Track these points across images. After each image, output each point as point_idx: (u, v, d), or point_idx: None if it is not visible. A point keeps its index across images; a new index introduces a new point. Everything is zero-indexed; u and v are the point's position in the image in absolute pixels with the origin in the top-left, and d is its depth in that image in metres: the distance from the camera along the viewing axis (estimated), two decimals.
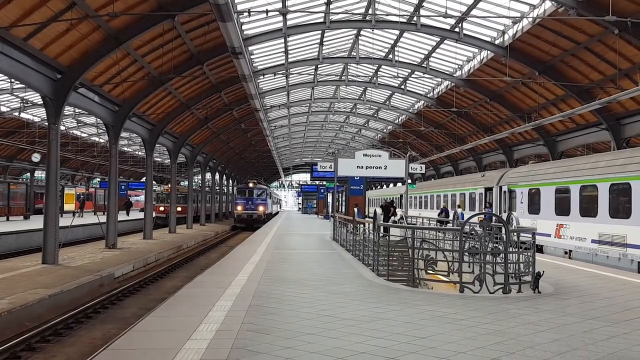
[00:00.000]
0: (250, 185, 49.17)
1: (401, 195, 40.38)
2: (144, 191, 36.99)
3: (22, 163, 48.62)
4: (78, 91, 18.28)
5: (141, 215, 37.12)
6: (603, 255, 15.92)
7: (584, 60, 21.50)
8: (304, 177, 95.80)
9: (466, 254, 10.69)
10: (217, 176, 54.89)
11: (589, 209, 17.04)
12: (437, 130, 38.82)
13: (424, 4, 21.52)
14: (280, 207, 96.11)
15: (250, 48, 22.54)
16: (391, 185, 61.55)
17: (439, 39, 24.51)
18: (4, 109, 34.37)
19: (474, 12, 20.92)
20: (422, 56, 27.52)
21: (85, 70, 17.33)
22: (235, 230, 46.32)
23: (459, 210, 25.89)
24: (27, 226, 28.51)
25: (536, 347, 5.99)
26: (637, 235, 14.58)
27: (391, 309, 8.06)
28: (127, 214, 50.61)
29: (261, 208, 47.96)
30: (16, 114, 35.14)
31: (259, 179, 58.18)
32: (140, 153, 57.23)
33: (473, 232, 13.30)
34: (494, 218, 15.02)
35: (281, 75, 29.36)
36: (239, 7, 18.48)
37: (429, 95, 33.93)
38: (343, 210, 35.14)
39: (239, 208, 48.13)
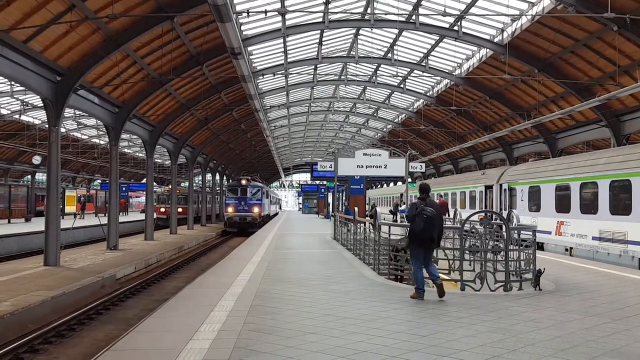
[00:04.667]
0: (243, 182, 42.29)
1: (401, 194, 40.40)
2: (144, 192, 36.99)
3: (22, 165, 48.63)
4: (78, 93, 18.29)
5: (142, 216, 37.17)
6: (604, 252, 15.93)
7: (583, 57, 21.50)
8: (305, 177, 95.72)
9: (467, 252, 10.72)
10: (217, 177, 54.89)
11: (589, 206, 17.05)
12: (437, 128, 38.82)
13: (423, 2, 21.52)
14: (280, 208, 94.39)
15: (249, 48, 22.56)
16: (391, 184, 61.52)
17: (438, 38, 24.51)
18: (4, 111, 34.38)
19: (473, 10, 20.91)
20: (422, 55, 27.52)
21: (85, 72, 17.35)
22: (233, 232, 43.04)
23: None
24: (28, 228, 28.56)
25: (537, 345, 6.01)
26: (637, 231, 14.59)
27: (392, 307, 8.08)
28: None
29: (256, 209, 41.36)
30: (17, 116, 35.17)
31: (254, 175, 50.79)
32: (140, 154, 57.25)
33: (474, 231, 13.31)
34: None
35: (280, 76, 29.35)
36: (238, 8, 18.49)
37: (428, 94, 33.94)
38: (343, 209, 35.15)
39: (230, 210, 41.22)
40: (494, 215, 17.51)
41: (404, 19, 22.37)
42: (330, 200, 50.94)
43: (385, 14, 22.28)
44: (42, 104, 18.53)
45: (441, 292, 8.69)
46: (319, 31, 24.00)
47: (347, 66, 30.84)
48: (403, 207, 27.11)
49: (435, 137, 42.66)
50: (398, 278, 12.46)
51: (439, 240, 8.98)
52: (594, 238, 16.52)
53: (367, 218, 18.22)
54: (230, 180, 56.97)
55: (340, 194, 42.53)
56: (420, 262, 8.92)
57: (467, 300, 8.74)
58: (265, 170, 76.48)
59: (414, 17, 22.10)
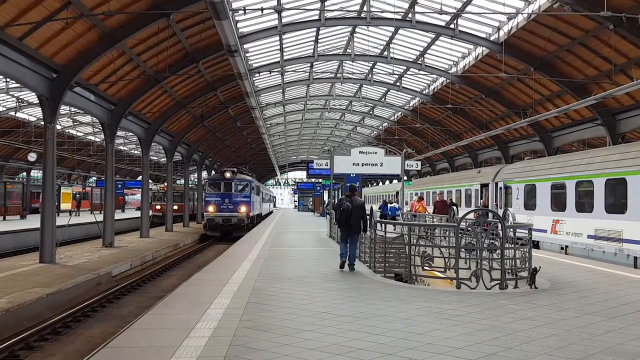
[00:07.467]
0: (228, 175, 34.02)
1: (397, 192, 40.45)
2: (140, 190, 36.90)
3: (18, 162, 48.49)
4: (74, 90, 18.23)
5: (138, 214, 37.06)
6: (599, 251, 15.98)
7: (579, 56, 21.55)
8: (300, 175, 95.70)
9: (463, 250, 10.73)
10: (213, 174, 54.81)
11: (585, 204, 17.10)
12: (433, 126, 38.85)
13: (419, 0, 21.52)
14: (275, 206, 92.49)
15: (245, 46, 22.52)
16: (387, 182, 61.57)
17: (434, 36, 24.52)
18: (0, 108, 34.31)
19: (469, 8, 20.92)
20: (418, 53, 27.51)
21: (81, 69, 17.28)
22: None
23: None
24: (24, 225, 28.46)
25: (533, 342, 6.03)
26: (633, 230, 14.64)
27: (388, 305, 8.09)
28: None
29: (243, 208, 33.44)
30: (12, 113, 35.03)
31: (243, 167, 42.01)
32: (136, 152, 57.14)
33: (470, 229, 13.34)
34: (490, 214, 15.05)
35: (277, 73, 29.32)
36: (234, 5, 18.46)
37: (424, 92, 33.94)
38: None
39: (210, 209, 33.22)
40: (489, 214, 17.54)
41: (400, 17, 22.35)
42: (326, 198, 50.90)
43: (382, 12, 22.27)
44: (37, 101, 18.46)
45: (341, 267, 11.91)
46: (315, 29, 23.98)
47: (343, 64, 30.83)
48: (395, 204, 27.17)
49: (431, 135, 42.68)
50: (395, 276, 12.49)
51: (358, 228, 12.04)
52: (589, 236, 16.57)
53: None
54: (213, 173, 48.32)
55: (336, 192, 42.47)
56: (344, 241, 12.17)
57: (463, 298, 8.76)
58: (261, 167, 76.46)
59: (410, 15, 22.10)
